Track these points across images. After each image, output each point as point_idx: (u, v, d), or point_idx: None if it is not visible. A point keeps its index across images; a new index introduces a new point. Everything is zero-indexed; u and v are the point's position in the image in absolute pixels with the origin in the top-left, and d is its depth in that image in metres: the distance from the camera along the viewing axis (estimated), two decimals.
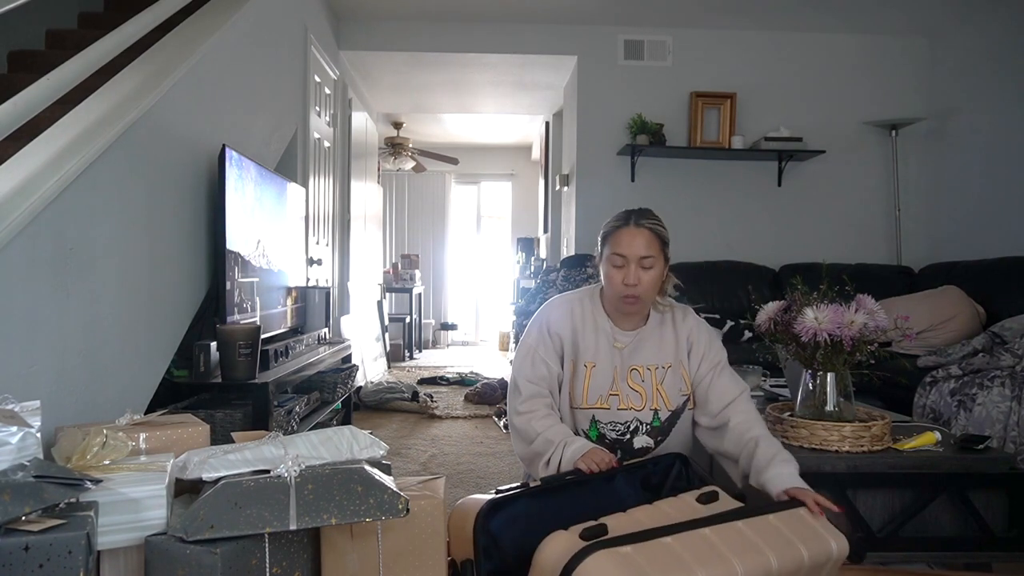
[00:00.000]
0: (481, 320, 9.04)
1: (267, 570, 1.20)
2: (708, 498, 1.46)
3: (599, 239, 1.79)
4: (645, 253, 1.68)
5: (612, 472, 1.57)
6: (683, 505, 1.46)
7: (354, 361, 3.94)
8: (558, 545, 1.26)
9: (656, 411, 1.75)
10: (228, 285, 2.42)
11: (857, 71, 4.73)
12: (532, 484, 1.53)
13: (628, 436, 1.75)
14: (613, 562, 1.16)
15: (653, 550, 1.20)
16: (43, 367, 1.57)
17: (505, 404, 4.46)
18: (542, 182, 7.00)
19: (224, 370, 2.32)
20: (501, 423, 4.15)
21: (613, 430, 1.75)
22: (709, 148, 4.62)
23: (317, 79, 4.13)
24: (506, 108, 6.52)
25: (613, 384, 1.74)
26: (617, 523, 1.35)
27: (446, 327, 8.70)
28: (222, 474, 1.28)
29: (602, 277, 1.76)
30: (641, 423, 1.75)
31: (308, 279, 3.77)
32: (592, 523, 1.31)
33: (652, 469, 1.63)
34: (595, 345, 1.76)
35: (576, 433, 1.74)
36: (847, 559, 1.36)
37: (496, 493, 1.46)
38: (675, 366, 1.77)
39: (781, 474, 1.52)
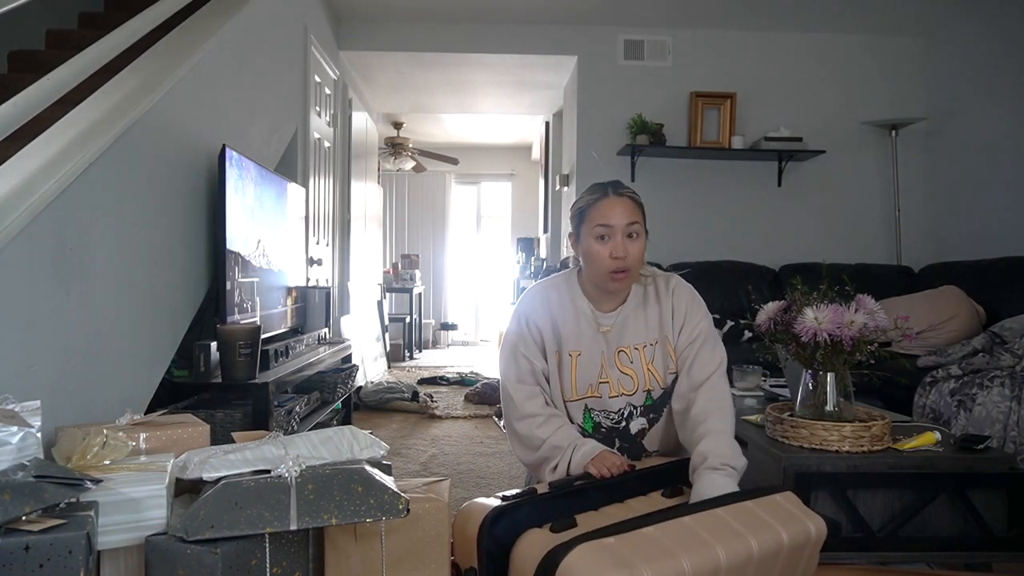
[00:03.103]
0: (481, 320, 9.04)
1: (267, 570, 1.20)
2: (673, 492, 1.51)
3: (573, 217, 1.70)
4: (631, 219, 1.61)
5: (624, 475, 1.55)
6: (652, 502, 1.48)
7: (354, 361, 3.94)
8: (534, 542, 1.28)
9: (649, 391, 1.69)
10: (228, 285, 2.42)
11: (857, 71, 4.73)
12: (539, 489, 1.49)
13: (624, 423, 1.70)
14: (598, 553, 1.18)
15: (636, 540, 1.22)
16: (43, 367, 1.57)
17: None
18: (542, 182, 7.00)
19: (224, 370, 2.32)
20: (501, 423, 4.15)
21: (607, 418, 1.69)
22: (709, 148, 4.63)
23: (317, 79, 4.13)
24: (506, 108, 6.52)
25: (602, 371, 1.67)
26: (589, 519, 1.37)
27: (446, 327, 8.71)
28: (222, 474, 1.28)
29: (583, 256, 1.67)
30: (635, 407, 1.70)
31: (308, 279, 3.77)
32: (563, 520, 1.34)
33: (667, 470, 1.62)
34: (577, 332, 1.67)
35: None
36: (828, 542, 1.38)
37: (502, 500, 1.43)
38: (661, 342, 1.70)
39: (702, 482, 1.50)
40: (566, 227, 5.29)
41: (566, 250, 5.32)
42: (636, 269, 1.65)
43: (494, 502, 1.42)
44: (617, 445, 1.70)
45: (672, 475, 1.61)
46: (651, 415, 1.72)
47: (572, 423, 1.70)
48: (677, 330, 1.70)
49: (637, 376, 1.68)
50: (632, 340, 1.69)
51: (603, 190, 1.66)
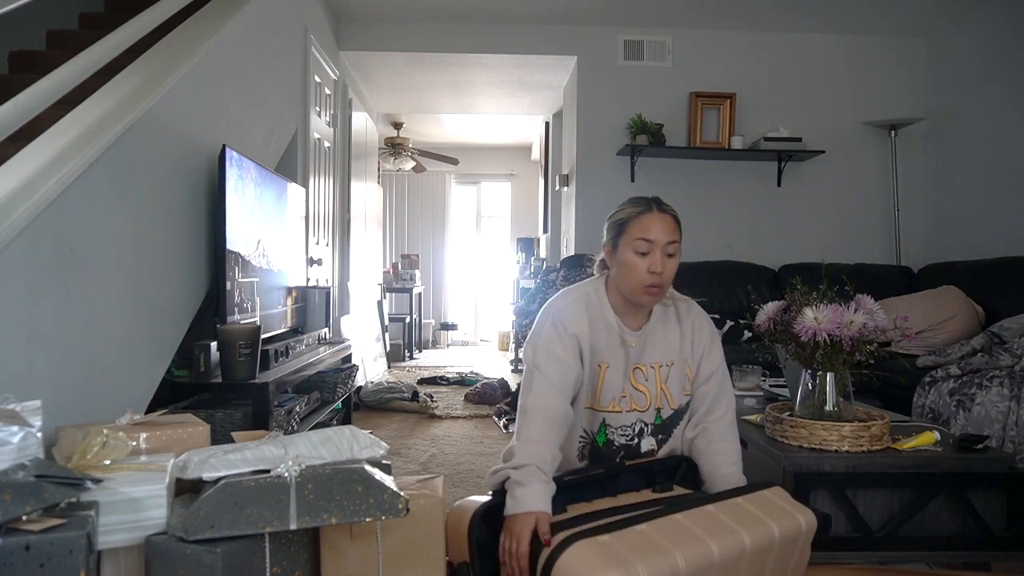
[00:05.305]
0: (481, 320, 9.04)
1: (267, 570, 1.20)
2: (663, 489, 1.54)
3: (612, 226, 1.67)
4: (671, 238, 1.61)
5: (616, 471, 1.56)
6: (641, 497, 1.50)
7: (354, 361, 3.94)
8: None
9: (659, 410, 1.69)
10: (228, 285, 2.42)
11: (857, 71, 4.73)
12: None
13: (636, 440, 1.69)
14: (593, 550, 1.19)
15: (630, 537, 1.23)
16: (43, 367, 1.57)
17: (505, 404, 4.48)
18: (542, 182, 7.01)
19: (224, 370, 2.32)
20: (501, 423, 4.15)
21: (623, 435, 1.68)
22: (709, 148, 4.63)
23: (317, 79, 4.14)
24: (506, 108, 6.52)
25: (623, 386, 1.67)
26: (580, 509, 1.39)
27: (446, 327, 8.71)
28: (222, 474, 1.28)
29: (618, 267, 1.65)
30: (645, 424, 1.70)
31: (308, 279, 3.77)
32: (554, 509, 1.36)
33: (658, 469, 1.63)
34: (607, 343, 1.66)
35: (584, 435, 1.67)
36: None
37: (493, 495, 1.45)
38: (679, 364, 1.71)
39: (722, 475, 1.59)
40: (566, 227, 5.31)
41: (564, 250, 5.33)
42: (668, 286, 1.66)
43: (485, 498, 1.44)
44: (622, 456, 1.69)
45: (665, 471, 1.63)
46: (660, 436, 1.71)
47: (587, 432, 1.68)
48: (698, 357, 1.73)
49: (650, 394, 1.68)
50: (650, 359, 1.69)
51: (647, 204, 1.64)
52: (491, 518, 1.41)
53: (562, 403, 1.55)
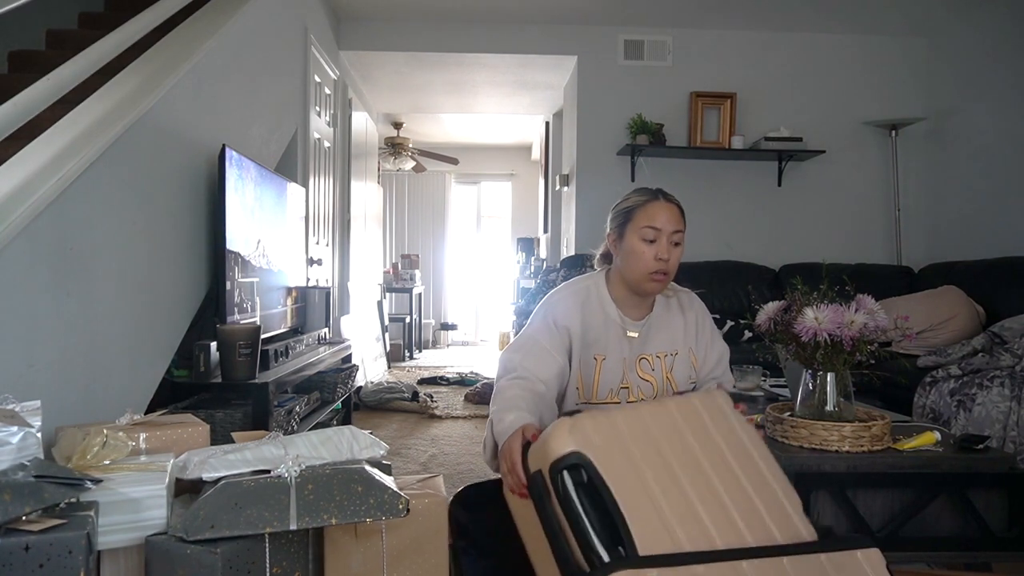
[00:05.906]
0: (481, 320, 9.04)
1: (267, 570, 1.20)
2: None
3: (618, 216, 1.69)
4: (677, 227, 1.65)
5: None
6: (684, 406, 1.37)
7: (354, 361, 3.94)
8: (561, 431, 1.21)
9: None
10: (228, 285, 2.42)
11: (857, 71, 4.73)
12: None
13: None
14: None
15: None
16: (43, 367, 1.57)
17: None
18: (542, 182, 7.00)
19: (224, 370, 2.32)
20: None
21: None
22: (709, 148, 4.62)
23: (317, 79, 4.13)
24: (506, 108, 6.52)
25: (623, 377, 1.68)
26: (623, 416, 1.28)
27: (446, 327, 8.70)
28: (222, 474, 1.28)
29: (623, 255, 1.66)
30: None
31: (308, 279, 3.77)
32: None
33: None
34: (605, 336, 1.67)
35: None
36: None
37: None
38: (683, 353, 1.73)
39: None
40: (567, 227, 5.30)
41: (564, 250, 5.33)
42: (673, 275, 1.68)
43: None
44: None
45: None
46: None
47: None
48: (703, 347, 1.76)
49: (656, 383, 1.70)
50: (655, 348, 1.71)
51: (653, 194, 1.69)
52: (470, 496, 1.44)
53: (536, 385, 1.56)
